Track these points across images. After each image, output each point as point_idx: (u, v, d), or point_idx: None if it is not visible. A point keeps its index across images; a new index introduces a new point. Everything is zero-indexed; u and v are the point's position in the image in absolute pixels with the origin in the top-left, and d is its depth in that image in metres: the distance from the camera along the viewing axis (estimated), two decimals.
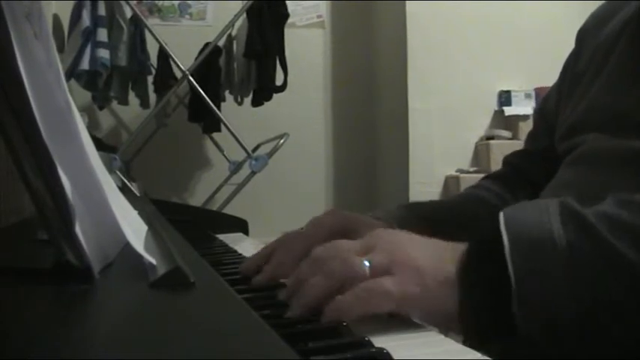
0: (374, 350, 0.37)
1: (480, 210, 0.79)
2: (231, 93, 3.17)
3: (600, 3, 0.77)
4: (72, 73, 2.68)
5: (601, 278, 0.41)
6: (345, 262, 0.46)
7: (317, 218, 0.70)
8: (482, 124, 3.31)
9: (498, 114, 3.30)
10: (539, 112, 0.86)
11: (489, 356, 0.36)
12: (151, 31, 2.75)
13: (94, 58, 2.70)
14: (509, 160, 0.88)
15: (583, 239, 0.42)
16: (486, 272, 0.44)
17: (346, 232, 0.68)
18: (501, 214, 0.46)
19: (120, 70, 2.86)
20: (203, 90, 2.68)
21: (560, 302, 0.41)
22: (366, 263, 0.45)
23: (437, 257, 0.46)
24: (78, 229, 0.36)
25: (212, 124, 3.06)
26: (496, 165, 3.01)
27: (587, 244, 0.42)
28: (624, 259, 0.41)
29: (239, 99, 3.16)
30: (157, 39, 2.76)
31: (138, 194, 2.00)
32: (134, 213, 0.67)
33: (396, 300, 0.43)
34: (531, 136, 0.87)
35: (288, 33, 2.96)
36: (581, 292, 0.41)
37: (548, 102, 0.82)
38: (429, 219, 0.74)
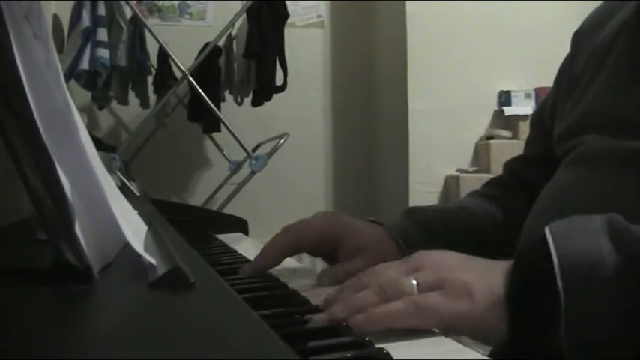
0: (374, 350, 0.37)
1: (477, 221, 0.80)
2: (231, 93, 3.18)
3: (600, 3, 0.77)
4: (72, 73, 2.68)
5: None
6: (392, 280, 0.45)
7: (308, 220, 0.70)
8: (482, 124, 3.31)
9: (498, 114, 3.30)
10: (536, 118, 0.86)
11: None
12: (150, 31, 2.75)
13: (93, 58, 2.70)
14: (509, 166, 0.89)
15: (629, 256, 0.41)
16: (537, 292, 0.43)
17: (336, 239, 0.69)
18: (549, 234, 0.44)
19: (120, 70, 2.86)
20: (203, 90, 2.68)
21: (608, 327, 0.41)
22: (414, 282, 0.45)
23: (484, 274, 0.45)
24: (78, 229, 0.36)
25: (212, 124, 3.05)
26: (496, 165, 3.02)
27: (634, 261, 0.41)
28: None
29: (239, 99, 3.16)
30: (156, 39, 2.76)
31: (137, 194, 2.00)
32: (134, 213, 0.67)
33: (443, 316, 0.43)
34: (529, 142, 0.87)
35: (288, 33, 2.96)
36: (630, 316, 0.40)
37: (545, 107, 0.82)
38: (429, 228, 0.74)
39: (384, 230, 0.73)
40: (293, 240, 0.68)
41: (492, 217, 0.81)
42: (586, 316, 0.41)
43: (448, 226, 0.77)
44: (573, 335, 0.41)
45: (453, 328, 0.43)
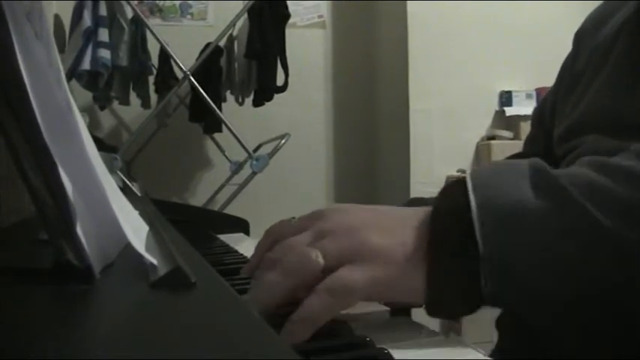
0: (375, 350, 0.37)
1: None
2: (232, 93, 3.18)
3: (600, 3, 0.77)
4: (73, 73, 2.68)
5: (574, 245, 0.39)
6: (297, 255, 0.43)
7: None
8: (483, 124, 3.31)
9: (499, 114, 3.30)
10: (536, 116, 0.86)
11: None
12: (152, 31, 2.75)
13: (95, 59, 2.70)
14: None
15: (554, 203, 0.40)
16: (454, 240, 0.41)
17: None
18: (468, 178, 0.43)
19: (121, 70, 2.86)
20: (204, 90, 2.68)
21: (531, 271, 0.39)
22: (319, 253, 0.42)
23: (397, 232, 0.43)
24: (79, 229, 0.36)
25: (213, 124, 3.05)
26: None
27: (558, 209, 0.40)
28: (602, 229, 0.38)
29: (240, 99, 3.16)
30: (158, 39, 2.76)
31: (139, 194, 2.00)
32: (135, 213, 0.67)
33: (360, 290, 0.41)
34: (529, 140, 0.87)
35: (289, 33, 2.96)
36: (552, 258, 0.39)
37: (545, 105, 0.82)
38: None
39: None
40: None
41: None
42: (506, 266, 0.39)
43: None
44: (494, 285, 0.39)
45: (374, 298, 0.42)
